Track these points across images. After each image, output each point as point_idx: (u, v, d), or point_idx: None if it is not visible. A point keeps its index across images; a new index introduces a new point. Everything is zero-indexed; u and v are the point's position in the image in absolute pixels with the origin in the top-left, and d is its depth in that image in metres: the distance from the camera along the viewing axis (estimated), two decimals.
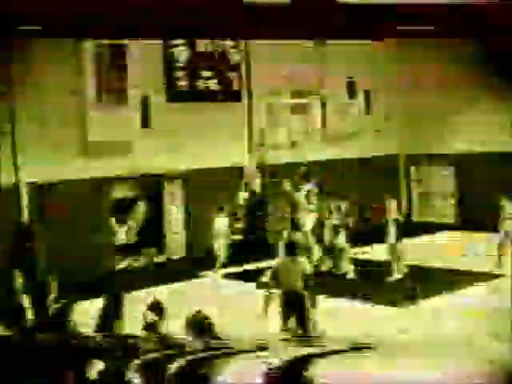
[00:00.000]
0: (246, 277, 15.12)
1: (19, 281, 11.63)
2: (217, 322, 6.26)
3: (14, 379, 4.89)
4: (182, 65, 17.62)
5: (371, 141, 20.55)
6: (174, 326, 6.46)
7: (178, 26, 14.44)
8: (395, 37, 18.68)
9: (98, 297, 8.57)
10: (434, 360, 3.81)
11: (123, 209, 18.04)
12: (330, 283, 13.91)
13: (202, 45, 17.83)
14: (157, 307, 7.00)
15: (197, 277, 15.72)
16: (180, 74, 17.63)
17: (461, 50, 18.88)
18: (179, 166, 17.27)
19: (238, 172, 17.42)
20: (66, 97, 15.53)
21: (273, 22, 13.07)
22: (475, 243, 16.91)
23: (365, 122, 20.81)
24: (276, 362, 3.85)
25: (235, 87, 18.53)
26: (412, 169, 21.99)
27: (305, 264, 10.34)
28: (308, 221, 15.85)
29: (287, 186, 16.39)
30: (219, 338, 5.93)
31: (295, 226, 15.79)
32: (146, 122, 16.70)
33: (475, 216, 18.43)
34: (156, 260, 17.76)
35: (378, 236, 15.32)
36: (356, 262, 15.33)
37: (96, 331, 7.24)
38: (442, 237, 19.18)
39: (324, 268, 15.42)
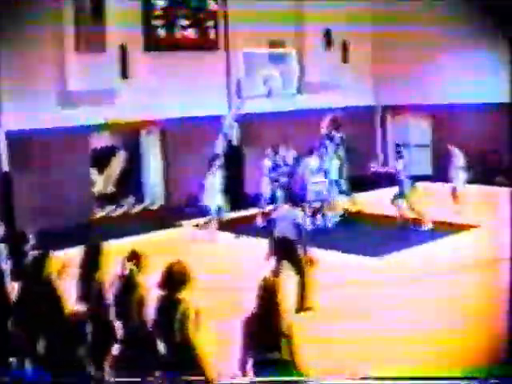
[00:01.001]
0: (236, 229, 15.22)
1: None
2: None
3: None
4: (159, 13, 17.52)
5: (348, 91, 20.60)
6: (153, 277, 6.52)
7: None
8: None
9: (76, 246, 8.65)
10: None
11: (102, 158, 18.11)
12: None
13: None
14: (135, 256, 7.00)
15: (176, 226, 15.91)
16: (157, 22, 17.53)
17: None
18: (158, 116, 17.29)
19: (216, 121, 17.42)
20: (46, 46, 15.44)
21: None
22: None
23: (342, 71, 20.86)
24: None
25: (212, 36, 18.48)
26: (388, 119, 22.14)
27: (300, 213, 10.61)
28: (333, 168, 16.14)
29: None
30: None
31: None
32: (125, 73, 16.68)
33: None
34: (135, 209, 17.91)
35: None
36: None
37: (78, 281, 7.37)
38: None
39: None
